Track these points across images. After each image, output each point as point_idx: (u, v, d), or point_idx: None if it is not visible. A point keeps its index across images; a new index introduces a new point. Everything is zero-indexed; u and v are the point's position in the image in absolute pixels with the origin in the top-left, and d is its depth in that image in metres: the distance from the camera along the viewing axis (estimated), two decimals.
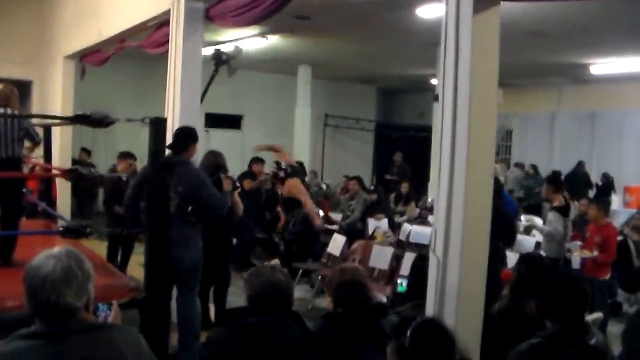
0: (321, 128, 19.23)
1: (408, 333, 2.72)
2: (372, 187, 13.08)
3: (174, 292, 6.23)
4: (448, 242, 3.89)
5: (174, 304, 6.26)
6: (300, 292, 8.77)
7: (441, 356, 2.69)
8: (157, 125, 5.50)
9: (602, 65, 13.72)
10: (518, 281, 4.18)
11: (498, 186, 8.01)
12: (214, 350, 2.93)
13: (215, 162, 6.69)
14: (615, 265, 7.98)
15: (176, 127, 6.64)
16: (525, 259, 4.45)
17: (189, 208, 5.89)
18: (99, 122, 5.34)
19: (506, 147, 19.29)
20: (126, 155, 9.37)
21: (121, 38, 9.42)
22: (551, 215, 8.23)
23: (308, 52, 14.45)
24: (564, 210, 8.04)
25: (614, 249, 7.76)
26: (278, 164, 9.76)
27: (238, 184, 7.85)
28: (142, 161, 7.29)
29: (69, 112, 10.52)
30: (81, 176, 6.25)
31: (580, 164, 16.43)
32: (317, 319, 3.57)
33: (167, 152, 6.23)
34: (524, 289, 4.06)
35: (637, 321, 3.88)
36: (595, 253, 7.68)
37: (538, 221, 9.65)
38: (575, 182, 14.44)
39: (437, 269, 3.94)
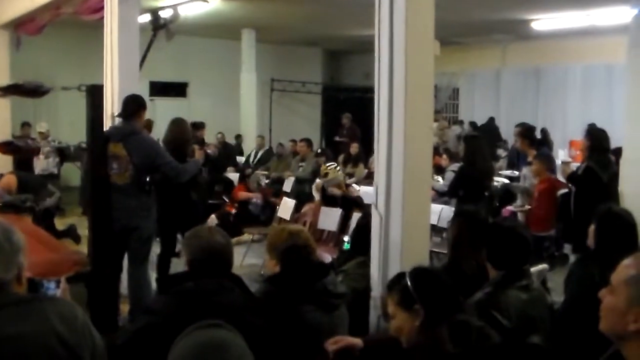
0: (267, 93, 19.06)
1: (407, 281, 2.90)
2: (319, 150, 13.04)
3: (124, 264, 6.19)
4: (389, 198, 3.86)
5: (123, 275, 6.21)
6: (252, 258, 8.73)
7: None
8: (94, 93, 5.38)
9: (543, 21, 13.83)
10: (459, 238, 4.11)
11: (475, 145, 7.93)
12: (153, 319, 2.86)
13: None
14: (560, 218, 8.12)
15: (115, 94, 6.52)
16: (464, 215, 4.36)
17: (147, 178, 5.83)
18: (32, 91, 5.21)
19: (453, 105, 19.42)
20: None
21: (56, 5, 9.14)
22: (527, 171, 8.29)
23: (251, 15, 14.24)
24: None
25: (546, 204, 7.87)
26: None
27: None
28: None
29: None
30: (17, 148, 6.12)
31: (491, 119, 17.06)
32: (260, 283, 3.55)
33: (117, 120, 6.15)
34: (465, 245, 4.03)
35: (575, 269, 3.98)
36: (527, 207, 7.85)
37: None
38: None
39: (380, 225, 3.92)
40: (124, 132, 5.88)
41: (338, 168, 8.73)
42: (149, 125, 14.06)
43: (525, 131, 8.67)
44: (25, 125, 13.31)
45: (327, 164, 9.12)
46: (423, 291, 2.86)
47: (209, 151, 6.37)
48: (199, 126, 10.98)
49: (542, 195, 7.90)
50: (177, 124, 7.03)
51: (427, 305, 2.83)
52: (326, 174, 8.68)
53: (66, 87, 5.37)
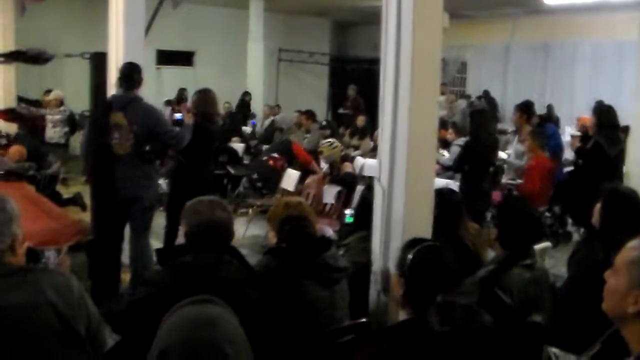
0: (275, 63, 18.94)
1: (409, 255, 2.88)
2: (324, 122, 12.92)
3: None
4: (393, 172, 3.81)
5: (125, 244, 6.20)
6: (254, 229, 8.72)
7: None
8: (98, 60, 5.35)
9: None
10: (436, 219, 3.93)
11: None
12: (150, 291, 2.85)
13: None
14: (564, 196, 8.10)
15: (120, 62, 6.44)
16: (438, 195, 4.11)
17: (147, 147, 5.80)
18: (35, 58, 5.16)
19: (461, 79, 19.27)
20: None
21: None
22: (522, 147, 8.20)
23: None
24: None
25: (536, 180, 7.87)
26: None
27: None
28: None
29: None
30: (20, 116, 6.08)
31: (486, 93, 16.79)
32: (262, 255, 3.53)
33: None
34: (443, 226, 3.91)
35: (579, 248, 3.95)
36: (519, 181, 7.89)
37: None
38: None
39: (383, 199, 3.88)
40: (125, 100, 5.82)
41: (334, 145, 8.63)
42: (182, 94, 14.13)
43: (523, 105, 8.52)
44: (48, 92, 13.21)
45: (324, 141, 9.05)
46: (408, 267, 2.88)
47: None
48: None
49: (531, 171, 7.90)
50: (202, 94, 6.92)
51: (408, 279, 2.86)
52: (321, 152, 8.66)
53: (70, 54, 5.33)
